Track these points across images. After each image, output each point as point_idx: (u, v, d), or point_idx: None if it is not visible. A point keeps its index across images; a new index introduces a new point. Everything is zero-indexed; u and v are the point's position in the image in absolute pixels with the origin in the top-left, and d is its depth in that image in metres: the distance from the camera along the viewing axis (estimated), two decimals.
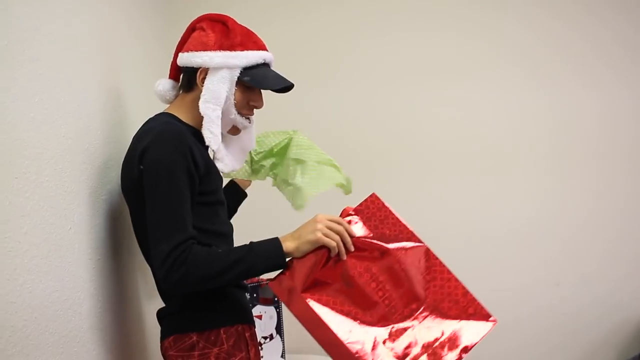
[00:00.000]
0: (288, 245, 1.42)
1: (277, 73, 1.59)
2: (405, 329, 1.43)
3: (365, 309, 1.42)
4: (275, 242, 1.43)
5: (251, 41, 1.56)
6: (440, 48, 2.77)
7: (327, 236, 1.41)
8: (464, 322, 1.45)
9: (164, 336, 1.53)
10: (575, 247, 2.76)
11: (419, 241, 1.50)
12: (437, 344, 1.41)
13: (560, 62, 2.78)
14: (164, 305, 1.57)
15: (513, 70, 2.78)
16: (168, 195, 1.40)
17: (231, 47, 1.53)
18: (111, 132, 1.70)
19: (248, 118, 1.60)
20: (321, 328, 1.39)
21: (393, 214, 1.51)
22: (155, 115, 1.58)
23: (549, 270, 2.76)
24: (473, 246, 2.75)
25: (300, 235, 1.42)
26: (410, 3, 2.77)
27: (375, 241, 1.46)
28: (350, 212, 1.50)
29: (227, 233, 1.61)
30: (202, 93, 1.52)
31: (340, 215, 1.49)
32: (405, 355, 1.40)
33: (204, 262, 1.36)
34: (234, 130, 1.61)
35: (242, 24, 1.59)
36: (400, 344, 1.41)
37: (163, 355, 1.53)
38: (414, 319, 1.44)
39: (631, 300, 2.74)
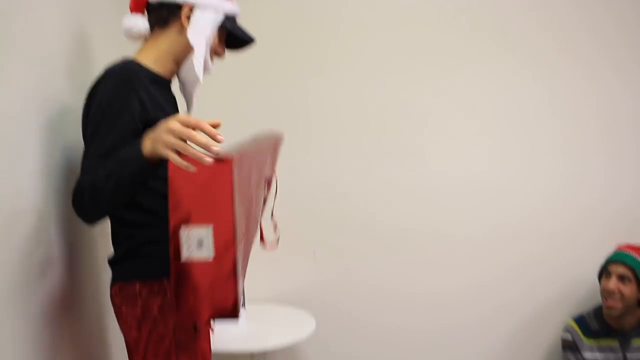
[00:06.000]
0: (146, 146, 1.23)
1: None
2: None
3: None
4: (136, 145, 1.26)
5: None
6: (435, 35, 2.78)
7: (171, 147, 1.14)
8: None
9: (112, 283, 1.55)
10: (540, 216, 2.82)
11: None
12: None
13: (558, 50, 2.77)
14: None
15: (511, 59, 2.77)
16: (97, 134, 1.38)
17: None
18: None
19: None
20: None
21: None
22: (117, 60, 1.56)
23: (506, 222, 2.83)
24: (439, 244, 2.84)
25: (154, 139, 1.20)
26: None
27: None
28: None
29: None
30: (191, 26, 1.56)
31: None
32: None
33: (89, 187, 1.31)
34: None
35: None
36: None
37: (111, 301, 1.55)
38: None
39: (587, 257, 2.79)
